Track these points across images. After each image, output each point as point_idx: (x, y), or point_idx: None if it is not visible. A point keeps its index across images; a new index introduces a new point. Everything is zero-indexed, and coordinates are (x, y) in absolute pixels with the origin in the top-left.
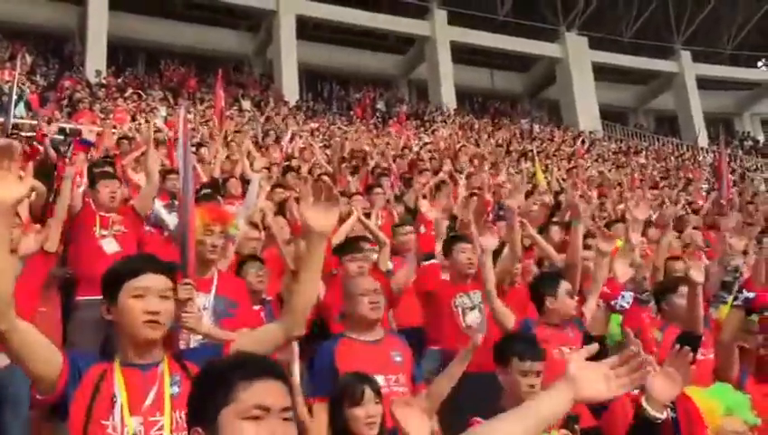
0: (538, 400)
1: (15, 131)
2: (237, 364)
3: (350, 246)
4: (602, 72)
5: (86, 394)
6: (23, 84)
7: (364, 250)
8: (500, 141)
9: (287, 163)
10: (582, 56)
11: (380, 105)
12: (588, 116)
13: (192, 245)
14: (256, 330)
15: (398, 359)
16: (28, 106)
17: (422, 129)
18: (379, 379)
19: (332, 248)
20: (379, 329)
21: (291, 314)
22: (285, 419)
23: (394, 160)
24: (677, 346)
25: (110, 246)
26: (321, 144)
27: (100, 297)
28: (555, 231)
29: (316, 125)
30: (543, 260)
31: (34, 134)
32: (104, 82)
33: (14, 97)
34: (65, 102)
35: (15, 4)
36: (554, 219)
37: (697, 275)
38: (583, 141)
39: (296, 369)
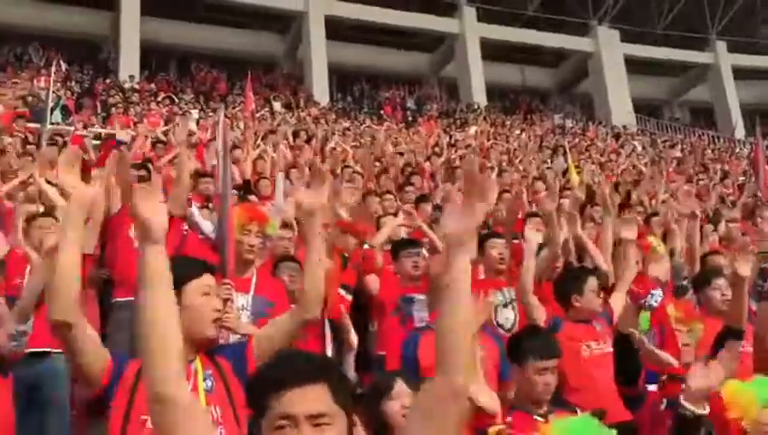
0: None
1: (57, 137)
2: (271, 372)
3: (405, 243)
4: (635, 66)
5: (126, 391)
6: (58, 91)
7: (419, 246)
8: (531, 138)
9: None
10: (614, 50)
11: (410, 104)
12: (621, 110)
13: (231, 245)
14: (273, 320)
15: (482, 353)
16: (64, 112)
17: (453, 127)
18: None
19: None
20: None
21: (301, 298)
22: (318, 424)
23: (426, 159)
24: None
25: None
26: (352, 144)
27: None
28: (588, 227)
29: (347, 124)
30: (583, 256)
31: (68, 139)
32: (137, 86)
33: (51, 104)
34: (100, 108)
35: (51, 13)
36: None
37: (744, 269)
38: (616, 136)
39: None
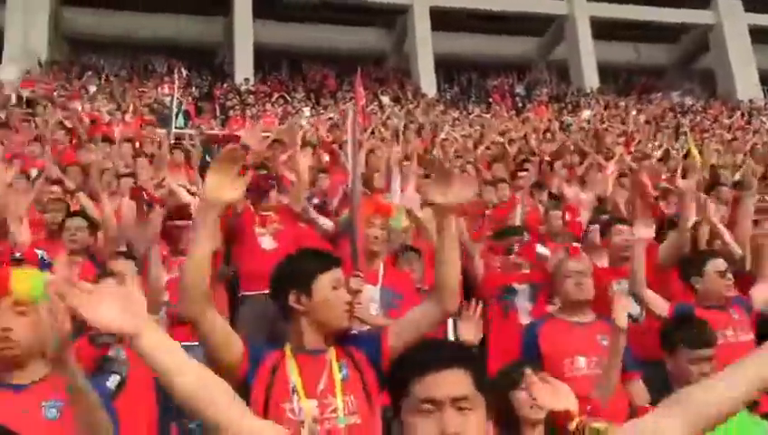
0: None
1: (189, 141)
2: (412, 356)
3: (506, 232)
4: (761, 35)
5: (264, 380)
6: (180, 97)
7: (521, 234)
8: (648, 118)
9: (432, 155)
10: (738, 20)
11: (520, 90)
12: (746, 84)
13: (361, 238)
14: (410, 312)
15: (605, 343)
16: (186, 117)
17: (564, 111)
18: (581, 360)
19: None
20: (590, 313)
21: (438, 290)
22: (461, 408)
23: (538, 146)
24: None
25: (269, 243)
26: (461, 133)
27: (263, 291)
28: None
29: (456, 115)
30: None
31: (193, 142)
32: (252, 88)
33: (175, 109)
34: (218, 111)
35: (169, 23)
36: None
37: None
38: (743, 114)
39: None
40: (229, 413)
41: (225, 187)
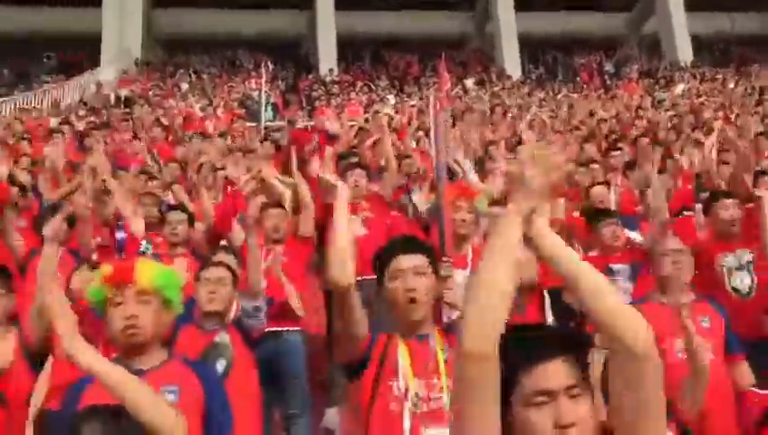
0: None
1: (278, 133)
2: (518, 346)
3: (602, 212)
4: None
5: (376, 359)
6: (268, 90)
7: (616, 215)
8: (748, 90)
9: (515, 138)
10: None
11: (609, 67)
12: None
13: (448, 223)
14: None
15: (706, 324)
16: (274, 110)
17: (656, 87)
18: (678, 342)
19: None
20: (689, 293)
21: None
22: (573, 396)
23: (630, 123)
24: None
25: (359, 230)
26: (548, 115)
27: (358, 278)
28: None
29: (542, 96)
30: None
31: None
32: (336, 78)
33: (263, 103)
34: (305, 102)
35: (253, 18)
36: None
37: None
38: None
39: None
40: None
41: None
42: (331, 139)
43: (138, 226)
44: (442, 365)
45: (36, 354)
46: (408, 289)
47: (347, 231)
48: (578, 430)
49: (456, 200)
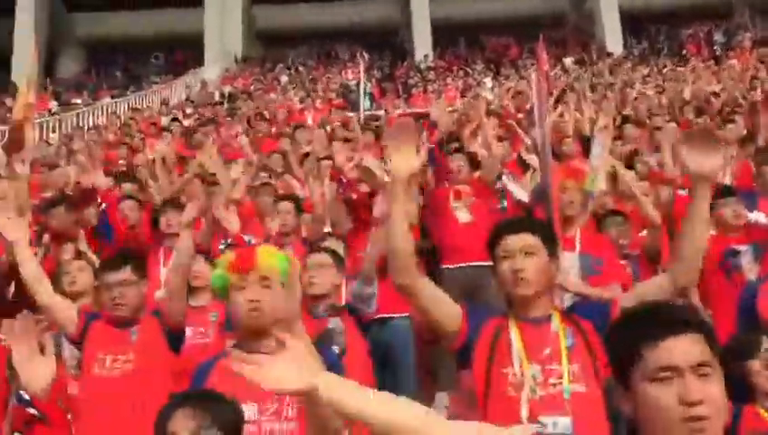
0: None
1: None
2: (642, 320)
3: (723, 191)
4: None
5: (486, 344)
6: (365, 80)
7: (735, 195)
8: None
9: (624, 114)
10: None
11: (718, 37)
12: None
13: (556, 204)
14: (641, 285)
15: None
16: (371, 99)
17: None
18: None
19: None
20: None
21: (679, 261)
22: (702, 374)
23: (743, 96)
24: None
25: (464, 217)
26: (653, 90)
27: (461, 264)
28: None
29: (646, 71)
30: None
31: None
32: (432, 64)
33: (362, 93)
34: (401, 90)
35: (348, 9)
36: None
37: None
38: None
39: None
40: None
41: (406, 159)
42: (432, 125)
43: (232, 225)
44: (563, 350)
45: (175, 334)
46: (515, 270)
47: (404, 228)
48: (707, 408)
49: (563, 182)
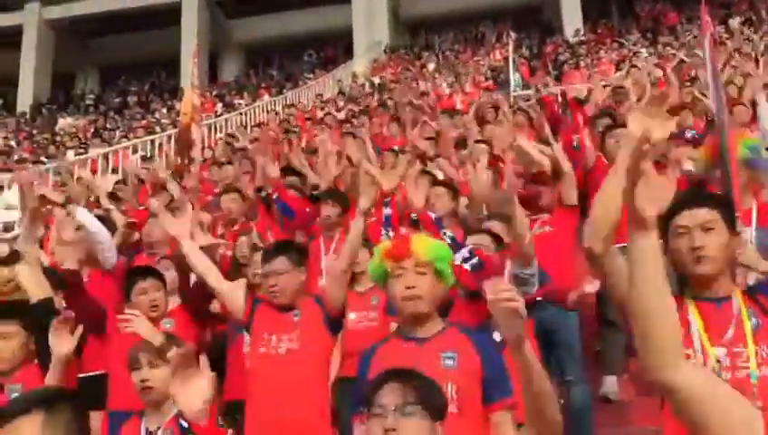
0: None
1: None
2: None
3: None
4: None
5: None
6: (515, 59)
7: None
8: None
9: None
10: None
11: None
12: None
13: (734, 173)
14: None
15: None
16: (521, 78)
17: None
18: None
19: None
20: None
21: None
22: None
23: None
24: None
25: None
26: None
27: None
28: None
29: None
30: None
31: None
32: (583, 38)
33: (512, 73)
34: (551, 67)
35: None
36: None
37: None
38: None
39: None
40: None
41: (654, 126)
42: (579, 103)
43: (419, 200)
44: (749, 331)
45: (336, 320)
46: (694, 247)
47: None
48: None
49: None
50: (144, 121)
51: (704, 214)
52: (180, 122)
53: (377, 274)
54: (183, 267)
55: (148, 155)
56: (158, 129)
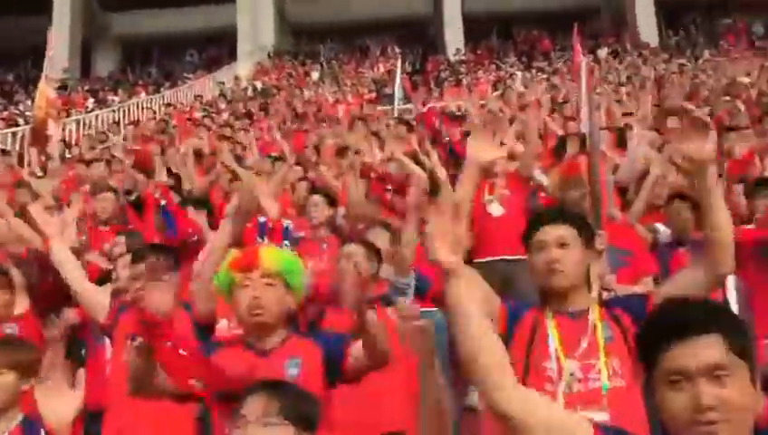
0: None
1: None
2: (658, 323)
3: (761, 183)
4: None
5: (523, 338)
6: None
7: None
8: None
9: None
10: None
11: (757, 29)
12: None
13: (604, 195)
14: (679, 274)
15: None
16: (403, 93)
17: None
18: None
19: None
20: None
21: (709, 250)
22: (716, 377)
23: None
24: None
25: (497, 210)
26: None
27: (495, 258)
28: None
29: (683, 61)
30: None
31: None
32: (464, 58)
33: (397, 86)
34: (433, 84)
35: (380, 2)
36: None
37: None
38: None
39: None
40: None
41: (485, 150)
42: (454, 119)
43: (272, 212)
44: (601, 344)
45: (205, 328)
46: (548, 261)
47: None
48: (719, 413)
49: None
50: (6, 113)
51: (560, 230)
52: (35, 116)
53: (224, 284)
54: (45, 266)
55: (8, 149)
56: (21, 121)
